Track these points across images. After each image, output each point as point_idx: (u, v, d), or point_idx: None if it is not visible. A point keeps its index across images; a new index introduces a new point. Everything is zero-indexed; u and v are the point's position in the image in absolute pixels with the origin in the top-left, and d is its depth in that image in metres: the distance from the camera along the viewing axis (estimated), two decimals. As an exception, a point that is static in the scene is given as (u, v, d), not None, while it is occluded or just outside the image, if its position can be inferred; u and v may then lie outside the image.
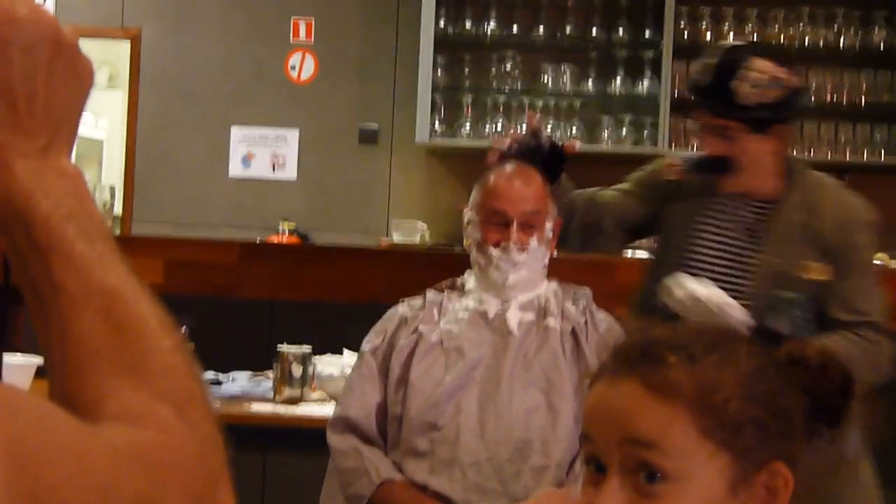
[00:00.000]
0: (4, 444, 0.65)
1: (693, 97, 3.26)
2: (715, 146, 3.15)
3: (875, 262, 3.26)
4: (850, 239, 3.11)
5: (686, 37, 6.53)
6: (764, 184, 3.16)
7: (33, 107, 0.84)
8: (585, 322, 3.00)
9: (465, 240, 3.10)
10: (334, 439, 2.98)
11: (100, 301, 0.82)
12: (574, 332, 2.97)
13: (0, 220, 0.83)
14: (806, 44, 6.52)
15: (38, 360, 3.45)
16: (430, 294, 3.10)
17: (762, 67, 3.08)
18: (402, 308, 3.09)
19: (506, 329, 2.96)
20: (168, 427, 0.78)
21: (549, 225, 3.01)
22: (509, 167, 3.07)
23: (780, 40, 6.52)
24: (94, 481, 0.71)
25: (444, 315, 3.02)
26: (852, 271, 3.10)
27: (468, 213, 3.06)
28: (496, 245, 2.96)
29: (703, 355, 1.38)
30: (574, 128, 6.55)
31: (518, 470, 2.83)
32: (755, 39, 6.51)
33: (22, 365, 3.44)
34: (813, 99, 6.49)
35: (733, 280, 3.10)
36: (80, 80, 0.88)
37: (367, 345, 3.06)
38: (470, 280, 3.09)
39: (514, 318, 2.97)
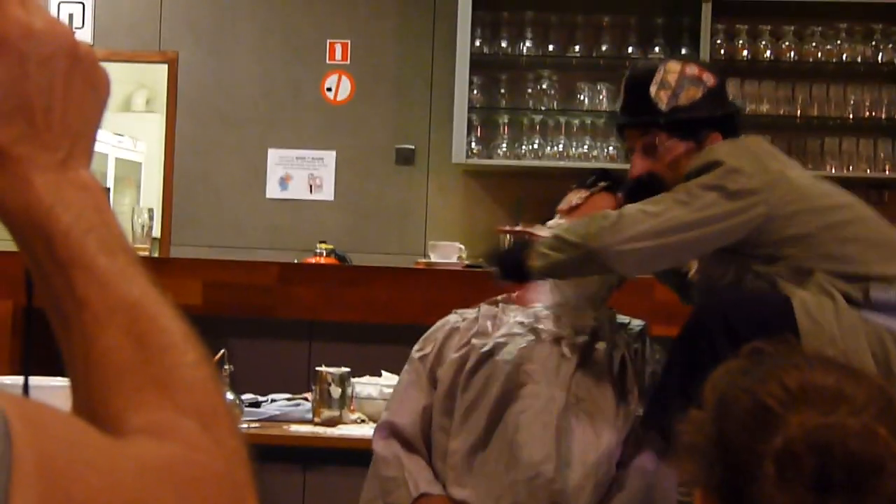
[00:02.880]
0: (35, 460, 0.65)
1: (616, 122, 3.12)
2: (639, 166, 3.00)
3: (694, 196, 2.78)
4: None
5: (723, 54, 6.51)
6: None
7: (51, 120, 0.83)
8: (636, 352, 3.01)
9: None
10: (379, 445, 3.00)
11: (123, 315, 0.81)
12: (623, 360, 2.98)
13: (20, 235, 0.83)
14: (844, 59, 6.48)
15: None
16: (485, 307, 3.13)
17: (674, 68, 2.98)
18: (454, 318, 3.12)
19: (557, 349, 2.96)
20: (194, 442, 0.78)
21: None
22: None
23: (817, 56, 6.50)
24: (123, 497, 0.70)
25: (499, 328, 3.03)
26: None
27: (554, 222, 3.10)
28: None
29: None
30: (610, 147, 6.53)
31: (560, 489, 2.83)
32: (792, 56, 6.49)
33: (63, 387, 3.45)
34: (852, 116, 6.46)
35: None
36: (97, 91, 0.87)
37: (416, 352, 3.09)
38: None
39: (567, 338, 2.98)
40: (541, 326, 3.01)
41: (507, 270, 2.96)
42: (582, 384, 2.93)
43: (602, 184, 3.12)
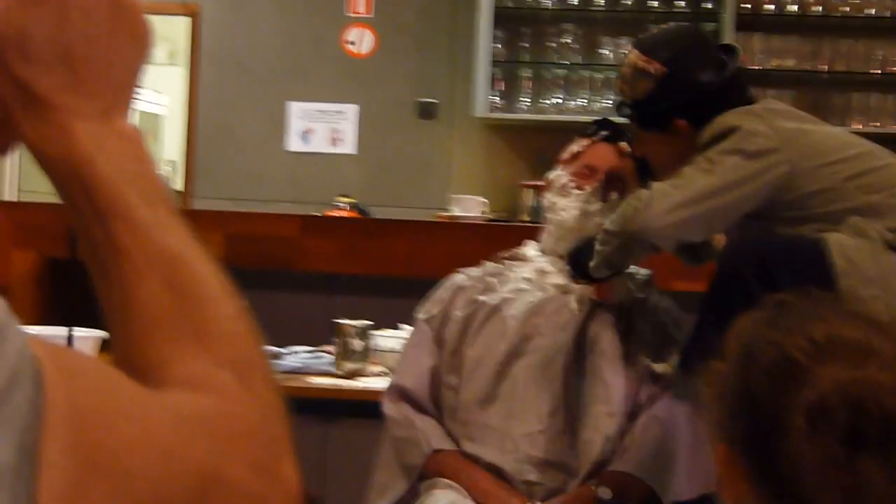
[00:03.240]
0: (66, 408, 0.64)
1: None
2: (633, 150, 3.05)
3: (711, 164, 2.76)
4: None
5: (749, 8, 6.46)
6: None
7: (93, 69, 0.83)
8: (643, 301, 3.00)
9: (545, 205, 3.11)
10: (388, 408, 3.01)
11: (162, 266, 0.81)
12: (630, 310, 2.97)
13: (61, 184, 0.82)
14: (872, 13, 6.42)
15: (102, 333, 3.46)
16: (490, 265, 3.12)
17: (630, 60, 2.93)
18: (460, 277, 3.11)
19: (564, 302, 2.96)
20: (230, 394, 0.78)
21: None
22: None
23: (844, 10, 6.43)
24: (157, 448, 0.70)
25: (505, 284, 3.03)
26: None
27: (554, 174, 3.08)
28: (579, 189, 2.99)
29: None
30: (634, 101, 6.49)
31: (569, 443, 2.83)
32: (820, 10, 6.42)
33: (87, 338, 3.45)
34: (880, 71, 6.40)
35: None
36: (138, 42, 0.87)
37: (422, 313, 3.09)
38: (531, 250, 3.10)
39: (574, 291, 2.97)
40: (547, 281, 3.01)
41: (578, 271, 2.95)
42: (589, 336, 2.93)
43: (602, 132, 3.10)
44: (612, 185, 3.01)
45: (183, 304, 0.81)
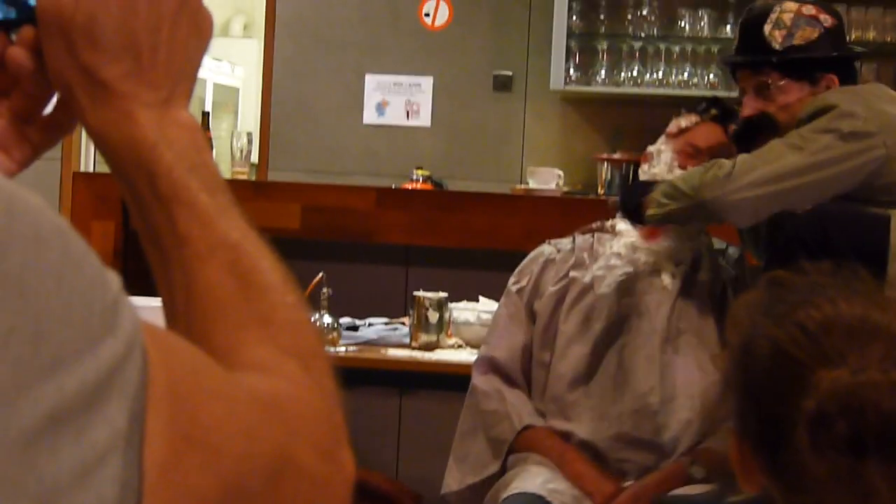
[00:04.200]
0: (165, 383, 0.66)
1: (729, 61, 3.09)
2: (750, 106, 2.94)
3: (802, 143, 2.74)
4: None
5: (829, -21, 6.36)
6: None
7: (157, 59, 0.85)
8: (736, 278, 2.98)
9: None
10: (479, 380, 3.01)
11: (224, 253, 0.83)
12: (724, 288, 2.95)
13: (122, 169, 0.85)
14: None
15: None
16: (580, 238, 3.09)
17: (790, 8, 2.90)
18: (549, 249, 3.10)
19: (657, 280, 2.94)
20: (297, 381, 0.79)
21: None
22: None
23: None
24: (240, 426, 0.71)
25: (596, 259, 3.01)
26: None
27: (655, 147, 3.06)
28: (682, 168, 2.97)
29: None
30: (711, 74, 6.44)
31: (665, 422, 2.82)
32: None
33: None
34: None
35: None
36: (200, 34, 0.89)
37: (513, 284, 3.08)
38: (621, 223, 3.07)
39: (666, 269, 2.95)
40: (638, 257, 2.99)
41: (627, 209, 2.94)
42: (683, 315, 2.91)
43: (713, 111, 3.06)
44: None
45: (246, 292, 0.82)
